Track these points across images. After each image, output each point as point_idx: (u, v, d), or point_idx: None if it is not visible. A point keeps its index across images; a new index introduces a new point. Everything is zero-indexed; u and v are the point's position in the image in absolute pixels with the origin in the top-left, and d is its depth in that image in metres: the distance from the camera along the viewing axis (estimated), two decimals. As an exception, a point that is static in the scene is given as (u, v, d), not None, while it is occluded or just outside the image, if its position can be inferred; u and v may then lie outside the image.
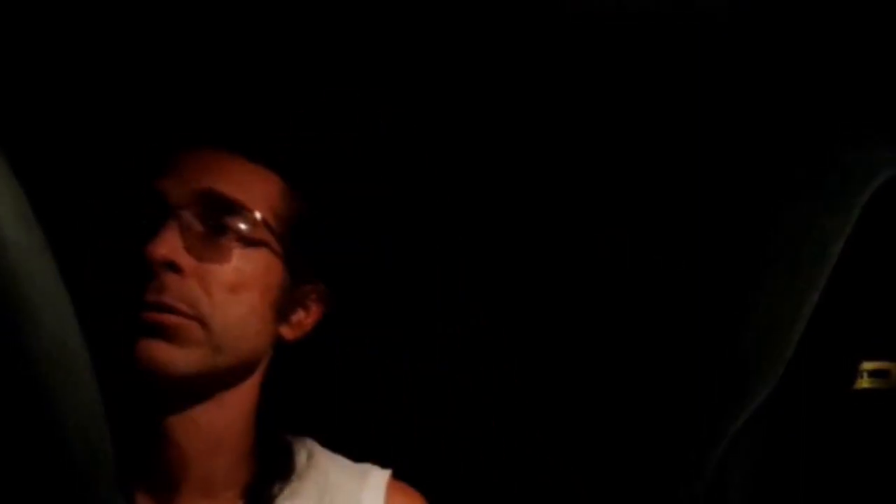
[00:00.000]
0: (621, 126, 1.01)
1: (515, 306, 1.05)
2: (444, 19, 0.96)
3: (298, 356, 0.94)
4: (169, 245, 0.84)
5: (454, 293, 1.06)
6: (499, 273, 1.05)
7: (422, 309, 1.07)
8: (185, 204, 0.86)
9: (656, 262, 0.99)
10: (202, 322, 0.85)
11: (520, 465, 1.03)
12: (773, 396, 0.95)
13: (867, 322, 1.12)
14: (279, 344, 0.92)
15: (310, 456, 0.94)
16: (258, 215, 0.89)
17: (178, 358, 0.84)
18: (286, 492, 0.90)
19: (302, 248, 0.91)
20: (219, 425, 0.88)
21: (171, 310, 0.84)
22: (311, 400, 0.98)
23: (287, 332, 0.92)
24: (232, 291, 0.87)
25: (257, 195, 0.90)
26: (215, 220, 0.87)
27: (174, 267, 0.85)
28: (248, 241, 0.88)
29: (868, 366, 1.13)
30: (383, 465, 0.96)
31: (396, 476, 0.95)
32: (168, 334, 0.84)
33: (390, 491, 0.93)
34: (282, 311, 0.91)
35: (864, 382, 1.12)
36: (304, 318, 0.93)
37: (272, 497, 0.89)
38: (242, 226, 0.88)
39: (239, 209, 0.88)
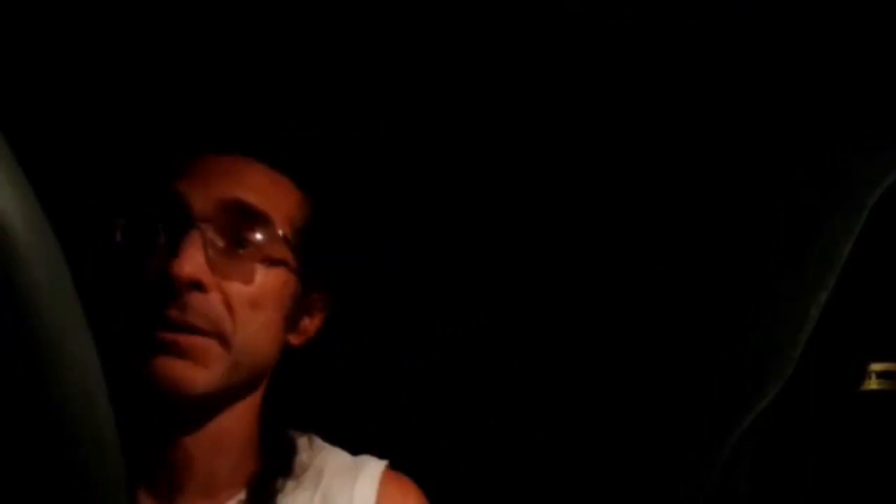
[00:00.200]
0: (624, 129, 1.01)
1: (517, 305, 1.05)
2: (447, 21, 0.97)
3: (301, 355, 0.94)
4: (194, 263, 0.83)
5: (455, 293, 1.06)
6: (501, 273, 1.05)
7: (422, 309, 1.07)
8: (208, 213, 0.85)
9: (664, 259, 0.99)
10: (223, 340, 0.84)
11: (520, 465, 1.03)
12: (780, 397, 0.94)
13: (875, 323, 1.12)
14: (286, 348, 0.92)
15: (312, 451, 0.94)
16: (280, 230, 0.88)
17: (198, 377, 0.83)
18: (288, 487, 0.90)
19: (313, 258, 0.91)
20: (224, 428, 0.88)
21: (195, 329, 0.83)
22: (313, 399, 0.98)
23: (294, 339, 0.92)
24: (252, 308, 0.86)
25: (278, 205, 0.89)
26: (237, 231, 0.86)
27: (198, 286, 0.83)
28: (268, 256, 0.87)
29: (876, 367, 1.12)
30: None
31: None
32: (190, 354, 0.83)
33: (384, 480, 0.93)
34: (292, 320, 0.91)
35: (872, 384, 1.12)
36: (310, 324, 0.93)
37: (275, 492, 0.89)
38: (263, 238, 0.87)
39: (262, 220, 0.87)
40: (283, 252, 0.88)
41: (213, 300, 0.84)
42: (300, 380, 0.94)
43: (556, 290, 1.03)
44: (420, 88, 1.01)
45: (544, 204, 1.03)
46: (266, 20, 0.97)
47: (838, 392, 1.12)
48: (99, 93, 1.00)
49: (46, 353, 0.46)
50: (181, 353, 0.83)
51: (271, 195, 0.89)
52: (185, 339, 0.83)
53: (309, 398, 0.97)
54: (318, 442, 0.96)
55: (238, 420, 0.89)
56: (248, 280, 0.86)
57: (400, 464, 0.96)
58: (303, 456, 0.92)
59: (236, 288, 0.85)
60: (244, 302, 0.85)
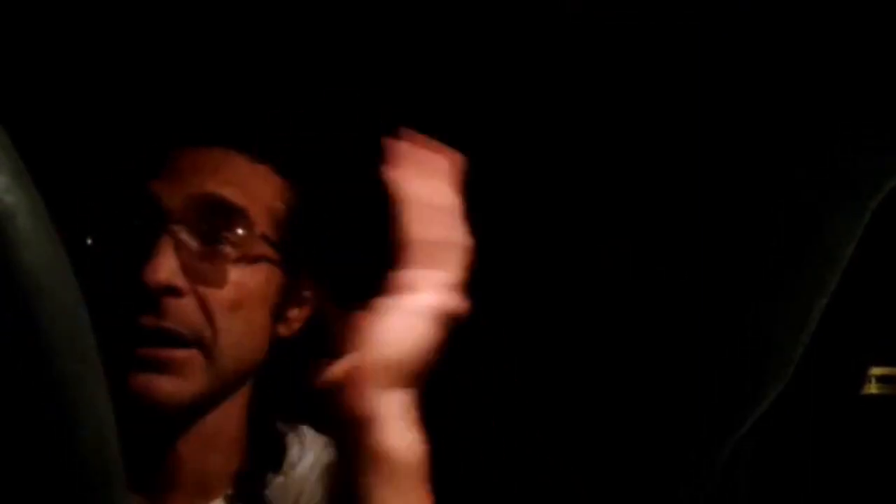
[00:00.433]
0: (625, 129, 1.01)
1: (517, 304, 1.05)
2: (447, 21, 0.97)
3: (292, 347, 0.92)
4: (167, 268, 0.80)
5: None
6: (501, 272, 1.05)
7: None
8: (180, 212, 0.82)
9: (664, 259, 0.99)
10: (204, 348, 0.82)
11: (520, 465, 1.03)
12: (780, 401, 0.94)
13: (876, 327, 1.12)
14: (275, 340, 0.91)
15: (302, 443, 0.93)
16: (258, 224, 0.85)
17: (181, 391, 0.81)
18: (277, 481, 0.89)
19: (297, 247, 0.88)
20: (213, 428, 0.86)
21: (172, 336, 0.81)
22: (306, 390, 0.97)
23: (283, 330, 0.90)
24: (232, 310, 0.83)
25: (257, 197, 0.86)
26: (213, 229, 0.83)
27: (173, 290, 0.81)
28: (247, 252, 0.84)
29: (877, 371, 1.12)
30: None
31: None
32: (170, 369, 0.81)
33: None
34: (279, 312, 0.89)
35: (872, 388, 1.12)
36: (299, 315, 0.90)
37: (263, 486, 0.88)
38: (241, 233, 0.84)
39: (239, 215, 0.84)
40: (262, 248, 0.85)
41: (189, 306, 0.81)
42: (292, 371, 0.93)
43: (556, 290, 1.02)
44: (409, 78, 1.00)
45: (544, 204, 1.02)
46: (240, 10, 0.96)
47: (839, 396, 1.12)
48: (70, 88, 0.98)
49: (45, 341, 0.46)
50: (161, 367, 0.80)
51: (249, 187, 0.86)
52: (164, 353, 0.80)
53: (301, 389, 0.96)
54: (311, 434, 0.95)
55: (227, 417, 0.87)
56: (225, 281, 0.83)
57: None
58: (293, 450, 0.91)
59: (214, 290, 0.82)
60: (223, 305, 0.82)
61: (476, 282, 1.06)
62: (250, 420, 0.89)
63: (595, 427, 1.00)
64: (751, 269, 0.96)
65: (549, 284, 1.03)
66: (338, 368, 0.71)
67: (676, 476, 0.94)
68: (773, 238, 0.95)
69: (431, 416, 1.05)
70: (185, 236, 0.82)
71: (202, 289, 0.82)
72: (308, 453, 0.92)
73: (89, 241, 0.85)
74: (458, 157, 0.76)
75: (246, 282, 0.85)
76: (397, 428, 0.72)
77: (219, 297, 0.83)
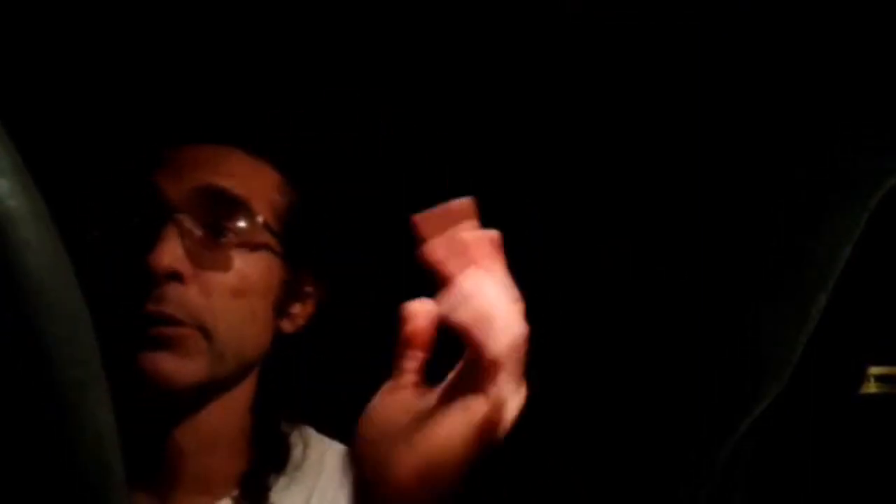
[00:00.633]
0: (625, 129, 1.01)
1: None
2: (447, 22, 0.96)
3: (295, 345, 0.93)
4: (171, 254, 0.83)
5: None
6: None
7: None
8: (184, 202, 0.85)
9: (664, 259, 0.99)
10: (204, 331, 0.84)
11: (520, 465, 1.03)
12: (779, 400, 0.94)
13: (875, 326, 1.12)
14: (278, 336, 0.91)
15: (305, 444, 0.93)
16: (260, 215, 0.87)
17: (182, 368, 0.83)
18: (281, 482, 0.89)
19: (299, 241, 0.90)
20: (217, 423, 0.87)
21: (173, 320, 0.83)
22: (309, 389, 0.97)
23: (286, 326, 0.91)
24: (234, 297, 0.85)
25: (258, 190, 0.88)
26: (215, 220, 0.86)
27: (176, 276, 0.83)
28: (248, 242, 0.87)
29: (875, 370, 1.12)
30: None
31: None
32: (171, 345, 0.83)
33: None
34: (281, 306, 0.90)
35: (871, 387, 1.12)
36: (302, 310, 0.92)
37: (268, 488, 0.88)
38: (243, 224, 0.86)
39: (241, 206, 0.87)
40: (265, 237, 0.87)
41: (191, 291, 0.83)
42: (296, 369, 0.93)
43: (557, 290, 1.02)
44: (410, 78, 1.00)
45: (543, 204, 1.02)
46: (239, 9, 0.96)
47: (837, 395, 1.12)
48: (73, 86, 0.99)
49: (47, 344, 0.46)
50: (164, 344, 0.82)
51: (250, 180, 0.88)
52: (167, 330, 0.82)
53: (304, 388, 0.96)
54: (313, 434, 0.95)
55: (229, 413, 0.88)
56: (228, 268, 0.85)
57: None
58: (297, 450, 0.91)
59: (216, 277, 0.85)
60: (225, 291, 0.85)
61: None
62: (254, 418, 0.90)
63: (595, 427, 1.00)
64: (751, 269, 0.96)
65: (549, 284, 1.03)
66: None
67: (676, 476, 0.94)
68: (773, 238, 0.95)
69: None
70: (189, 225, 0.84)
71: (205, 275, 0.84)
72: (312, 455, 0.92)
73: (94, 235, 0.87)
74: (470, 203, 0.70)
75: (248, 271, 0.86)
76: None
77: (221, 283, 0.85)
